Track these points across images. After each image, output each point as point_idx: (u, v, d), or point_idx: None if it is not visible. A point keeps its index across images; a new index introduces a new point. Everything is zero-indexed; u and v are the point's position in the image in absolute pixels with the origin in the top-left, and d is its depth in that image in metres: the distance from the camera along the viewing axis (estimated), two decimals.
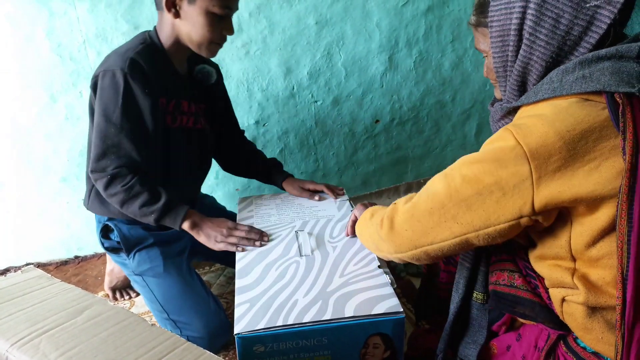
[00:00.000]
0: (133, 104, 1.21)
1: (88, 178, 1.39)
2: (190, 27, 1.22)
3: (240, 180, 2.06)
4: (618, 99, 0.66)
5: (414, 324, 1.41)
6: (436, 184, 0.82)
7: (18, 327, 0.84)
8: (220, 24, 1.23)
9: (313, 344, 0.95)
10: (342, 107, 2.10)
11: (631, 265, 0.65)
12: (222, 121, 1.58)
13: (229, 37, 1.76)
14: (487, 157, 0.74)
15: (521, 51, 0.76)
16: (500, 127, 0.86)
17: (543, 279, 0.86)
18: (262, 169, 1.61)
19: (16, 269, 1.84)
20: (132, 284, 1.48)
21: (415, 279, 1.70)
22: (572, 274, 0.76)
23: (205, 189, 1.87)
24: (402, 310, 0.96)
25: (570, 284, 0.77)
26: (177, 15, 1.22)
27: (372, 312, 0.95)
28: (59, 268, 1.88)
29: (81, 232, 1.90)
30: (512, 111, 0.85)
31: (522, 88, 0.81)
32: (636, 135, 0.64)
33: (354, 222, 1.21)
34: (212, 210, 1.67)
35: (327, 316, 0.95)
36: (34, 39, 1.58)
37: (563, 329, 0.84)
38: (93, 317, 0.89)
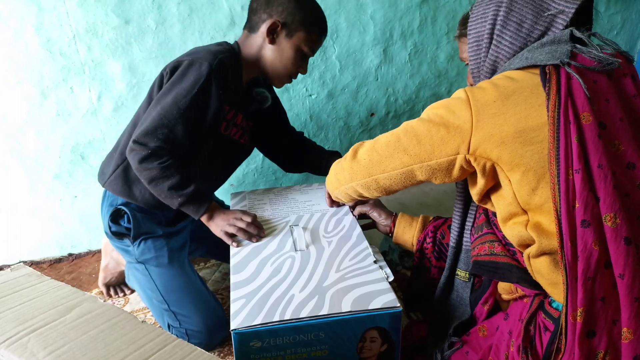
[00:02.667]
0: (204, 99, 1.23)
1: (120, 154, 1.37)
2: (278, 56, 1.30)
3: (235, 176, 2.04)
4: (547, 70, 0.81)
5: (406, 316, 1.40)
6: (399, 127, 0.97)
7: (6, 325, 0.82)
8: (302, 62, 1.33)
9: (310, 338, 0.94)
10: (337, 100, 2.08)
11: (562, 201, 0.76)
12: (280, 131, 1.61)
13: (221, 31, 1.75)
14: (441, 105, 0.90)
15: (490, 50, 0.93)
16: None
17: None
18: (321, 163, 1.59)
19: (9, 267, 1.82)
20: (130, 272, 1.47)
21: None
22: (526, 225, 0.85)
23: None
24: (399, 304, 0.95)
25: (528, 237, 0.85)
26: (272, 42, 1.29)
27: (369, 307, 0.94)
28: (52, 266, 1.86)
29: (75, 230, 1.88)
30: None
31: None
32: (559, 95, 0.78)
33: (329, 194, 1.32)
34: None
35: (324, 311, 0.93)
36: (23, 34, 1.55)
37: (538, 289, 0.91)
38: (83, 315, 0.87)
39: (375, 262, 1.10)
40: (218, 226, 1.28)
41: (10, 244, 1.82)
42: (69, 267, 1.85)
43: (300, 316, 0.92)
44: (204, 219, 1.30)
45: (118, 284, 1.66)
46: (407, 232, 1.28)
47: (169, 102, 1.20)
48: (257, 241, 1.23)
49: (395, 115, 2.23)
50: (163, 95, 1.22)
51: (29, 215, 1.80)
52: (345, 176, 1.09)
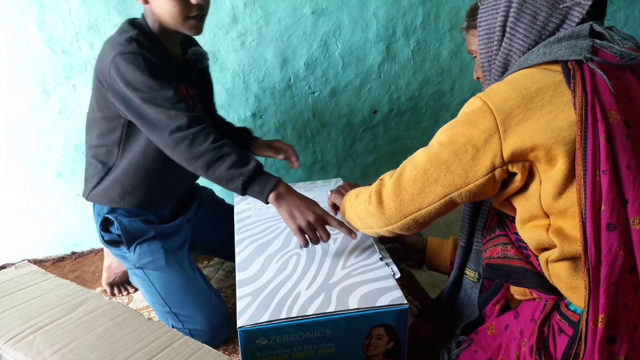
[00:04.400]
0: (157, 69, 1.17)
1: (89, 165, 1.37)
2: (157, 7, 1.19)
3: None
4: (570, 66, 0.77)
5: (413, 315, 1.39)
6: (418, 155, 0.90)
7: (12, 323, 0.82)
8: None
9: (316, 336, 0.93)
10: (340, 98, 2.07)
11: (588, 203, 0.73)
12: (209, 105, 1.57)
13: (223, 28, 1.75)
14: (459, 121, 0.84)
15: (503, 43, 0.88)
16: None
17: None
18: (236, 137, 1.55)
19: (13, 265, 1.82)
20: (132, 277, 1.46)
21: (415, 270, 1.68)
22: (547, 229, 0.82)
23: (202, 181, 1.84)
24: (405, 301, 0.94)
25: (549, 241, 0.82)
26: (145, 1, 1.21)
27: (376, 304, 0.93)
28: (55, 264, 1.86)
29: (78, 228, 1.87)
30: None
31: (503, 74, 0.90)
32: (585, 92, 0.74)
33: (333, 206, 1.22)
34: (211, 203, 1.65)
35: (331, 308, 0.93)
36: (25, 32, 1.54)
37: (554, 294, 0.88)
38: (89, 313, 0.87)
39: (381, 259, 1.09)
40: (292, 216, 1.09)
41: (13, 243, 1.82)
42: (72, 266, 1.85)
43: (308, 313, 0.92)
44: (271, 199, 1.11)
45: (122, 283, 1.66)
46: (440, 257, 1.25)
47: (145, 92, 1.14)
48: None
49: (398, 112, 2.22)
50: (131, 98, 1.15)
51: (31, 214, 1.79)
52: (378, 222, 0.96)
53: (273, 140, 1.59)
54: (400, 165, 0.93)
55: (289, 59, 1.90)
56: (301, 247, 1.15)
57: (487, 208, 1.03)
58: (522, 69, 0.83)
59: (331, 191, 1.23)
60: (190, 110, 1.16)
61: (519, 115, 0.77)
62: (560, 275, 0.83)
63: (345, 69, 2.02)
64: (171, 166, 1.29)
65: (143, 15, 1.28)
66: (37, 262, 1.85)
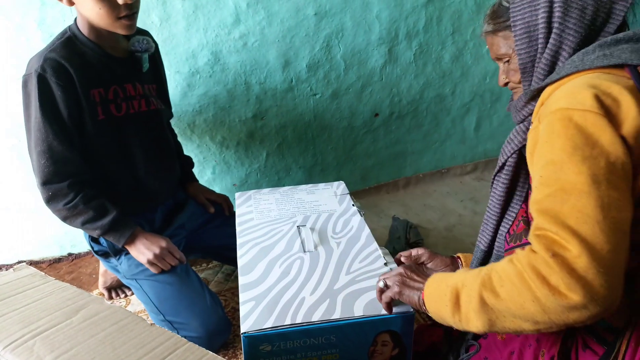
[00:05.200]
0: (53, 105, 1.17)
1: None
2: (84, 10, 1.15)
3: (238, 175, 2.02)
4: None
5: (416, 320, 1.38)
6: (577, 209, 0.65)
7: (11, 328, 0.80)
8: None
9: (321, 342, 0.92)
10: (341, 100, 2.06)
11: None
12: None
13: (225, 28, 1.73)
14: (570, 151, 0.68)
15: (551, 40, 0.81)
16: (524, 115, 0.90)
17: None
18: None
19: (8, 267, 1.79)
20: (128, 286, 1.44)
21: None
22: None
23: (202, 184, 1.82)
24: (411, 308, 0.93)
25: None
26: (70, 2, 1.16)
27: (382, 312, 0.92)
28: (52, 266, 1.83)
29: (75, 229, 1.83)
30: (536, 95, 0.86)
31: (548, 75, 0.83)
32: None
33: (382, 291, 0.94)
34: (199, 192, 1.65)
35: (336, 315, 0.91)
36: (25, 29, 1.52)
37: None
38: (89, 317, 0.85)
39: (386, 264, 1.08)
40: (141, 253, 1.30)
41: (9, 244, 1.79)
42: (69, 267, 1.82)
43: (312, 320, 0.90)
44: (127, 247, 1.31)
45: (119, 286, 1.64)
46: None
47: (32, 129, 1.18)
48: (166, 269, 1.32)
49: (399, 116, 2.21)
50: (25, 124, 1.21)
51: (28, 214, 1.77)
52: (572, 310, 0.65)
53: (207, 190, 1.66)
54: (549, 235, 0.67)
55: (291, 60, 1.88)
56: (304, 251, 1.13)
57: (513, 213, 0.96)
58: (580, 71, 0.76)
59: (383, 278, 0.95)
60: (72, 166, 1.21)
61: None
62: None
63: (347, 71, 2.01)
64: (134, 174, 1.34)
65: (75, 19, 1.24)
66: (33, 263, 1.83)
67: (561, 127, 0.70)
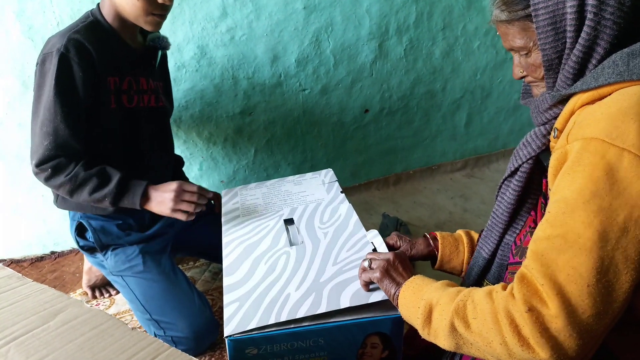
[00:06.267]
0: (70, 86, 1.14)
1: None
2: None
3: (226, 172, 1.98)
4: None
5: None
6: (566, 263, 0.61)
7: None
8: None
9: (309, 345, 0.89)
10: (331, 96, 2.03)
11: None
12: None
13: (212, 21, 1.69)
14: (588, 196, 0.61)
15: (583, 34, 0.68)
16: (547, 118, 0.79)
17: None
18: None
19: None
20: (113, 283, 1.41)
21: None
22: None
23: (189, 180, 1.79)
24: None
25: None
26: None
27: (369, 301, 0.89)
28: (34, 264, 1.79)
29: (57, 227, 1.80)
30: (564, 100, 0.75)
31: (578, 75, 0.72)
32: None
33: (364, 270, 0.92)
34: None
35: (321, 309, 0.89)
36: (3, 21, 1.47)
37: None
38: (68, 321, 0.82)
39: (374, 250, 1.05)
40: (160, 206, 1.18)
41: None
42: (52, 266, 1.78)
43: (297, 316, 0.88)
44: (145, 206, 1.20)
45: (103, 285, 1.60)
46: (455, 259, 1.06)
47: (41, 109, 1.15)
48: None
49: (390, 111, 2.19)
50: (34, 104, 1.17)
51: (9, 212, 1.72)
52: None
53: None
54: (533, 286, 0.64)
55: (279, 55, 1.85)
56: (291, 245, 1.11)
57: (522, 221, 0.89)
58: (627, 81, 0.65)
59: (369, 259, 0.93)
60: (74, 150, 1.17)
61: None
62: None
63: (336, 66, 1.98)
64: (132, 166, 1.29)
65: (98, 5, 1.23)
66: (15, 262, 1.78)
67: (589, 163, 0.62)
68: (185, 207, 1.17)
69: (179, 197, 1.17)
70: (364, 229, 1.14)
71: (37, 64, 1.16)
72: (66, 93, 1.14)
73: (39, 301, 0.87)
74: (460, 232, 1.09)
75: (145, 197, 1.19)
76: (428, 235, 1.09)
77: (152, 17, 1.17)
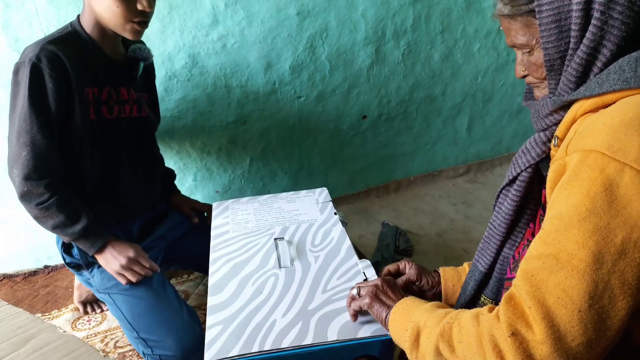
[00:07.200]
0: (44, 97, 1.12)
1: None
2: (99, 4, 1.13)
3: (221, 182, 1.95)
4: None
5: None
6: (555, 284, 0.57)
7: None
8: None
9: None
10: (327, 102, 1.99)
11: None
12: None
13: (203, 29, 1.66)
14: (584, 214, 0.57)
15: (588, 34, 0.63)
16: (548, 123, 0.75)
17: None
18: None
19: None
20: (101, 300, 1.38)
21: None
22: None
23: (183, 191, 1.76)
24: None
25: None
26: None
27: (358, 335, 0.85)
28: (27, 279, 1.76)
29: (50, 240, 1.77)
30: (565, 105, 0.71)
31: (581, 79, 0.67)
32: None
33: (353, 298, 0.89)
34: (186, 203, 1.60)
35: (307, 340, 0.85)
36: None
37: None
38: (39, 348, 0.78)
39: (366, 280, 1.01)
40: (108, 263, 1.24)
41: None
42: (45, 281, 1.75)
43: (282, 346, 0.84)
44: (97, 257, 1.25)
45: (95, 301, 1.56)
46: (460, 290, 0.99)
47: (16, 119, 1.12)
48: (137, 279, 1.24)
49: (388, 117, 2.15)
50: (10, 114, 1.15)
51: (0, 225, 1.69)
52: None
53: (191, 200, 1.61)
54: (515, 306, 0.60)
55: (273, 62, 1.81)
56: (280, 267, 1.07)
57: (521, 233, 0.85)
58: (633, 89, 0.60)
59: (358, 286, 0.90)
60: (51, 162, 1.15)
61: None
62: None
63: (332, 72, 1.94)
64: (115, 179, 1.28)
65: (78, 15, 1.20)
66: (7, 276, 1.75)
67: (587, 178, 0.58)
68: (129, 275, 1.23)
69: (129, 265, 1.23)
70: (356, 257, 1.10)
71: (12, 73, 1.14)
72: (40, 104, 1.11)
73: (12, 326, 0.84)
74: (465, 265, 1.02)
75: (101, 250, 1.24)
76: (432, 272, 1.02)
77: (132, 24, 1.15)
